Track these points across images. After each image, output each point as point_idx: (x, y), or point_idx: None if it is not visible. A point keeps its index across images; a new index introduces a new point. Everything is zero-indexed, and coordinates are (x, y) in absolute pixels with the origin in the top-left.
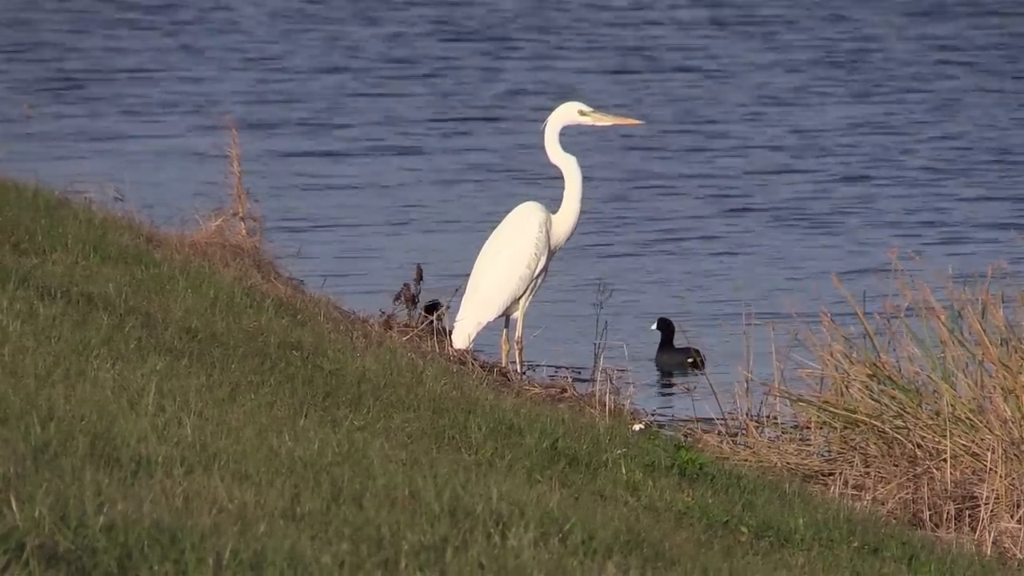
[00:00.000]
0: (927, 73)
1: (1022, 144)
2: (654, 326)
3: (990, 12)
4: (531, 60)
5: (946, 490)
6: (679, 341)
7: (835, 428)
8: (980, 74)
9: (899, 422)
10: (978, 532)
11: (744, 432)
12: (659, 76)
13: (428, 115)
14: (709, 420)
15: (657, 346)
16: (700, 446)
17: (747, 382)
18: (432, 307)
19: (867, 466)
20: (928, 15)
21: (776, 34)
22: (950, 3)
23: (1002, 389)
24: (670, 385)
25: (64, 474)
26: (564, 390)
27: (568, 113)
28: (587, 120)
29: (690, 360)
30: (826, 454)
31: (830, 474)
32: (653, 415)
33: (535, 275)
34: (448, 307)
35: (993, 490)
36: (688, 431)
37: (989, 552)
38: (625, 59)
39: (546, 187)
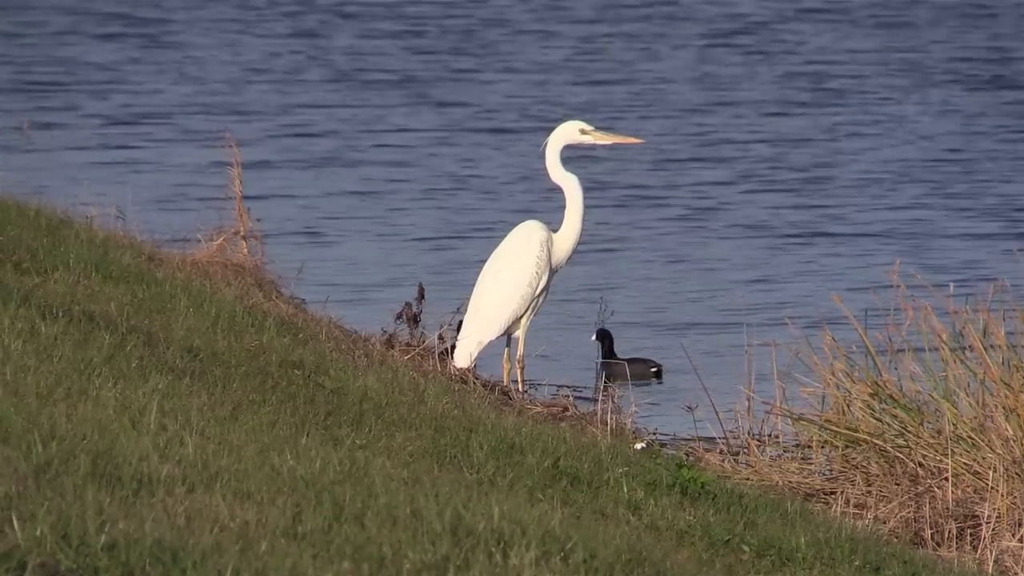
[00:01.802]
0: (910, 83)
1: (1011, 155)
2: (593, 337)
3: (955, 26)
4: (525, 73)
5: (947, 509)
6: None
7: (836, 447)
8: (964, 85)
9: (900, 441)
10: (980, 551)
11: (745, 451)
12: (635, 88)
13: (426, 128)
14: (711, 439)
15: (601, 358)
16: (702, 465)
17: (748, 401)
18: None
19: (868, 485)
20: (899, 27)
21: (744, 45)
22: (921, 14)
23: (1003, 408)
24: (626, 391)
25: (66, 493)
26: (566, 409)
27: (569, 132)
28: (588, 139)
29: (653, 369)
30: (827, 473)
31: (831, 493)
32: (655, 434)
33: (536, 294)
34: (449, 326)
35: (995, 509)
36: (690, 450)
37: (991, 571)
38: (601, 73)
39: (549, 202)
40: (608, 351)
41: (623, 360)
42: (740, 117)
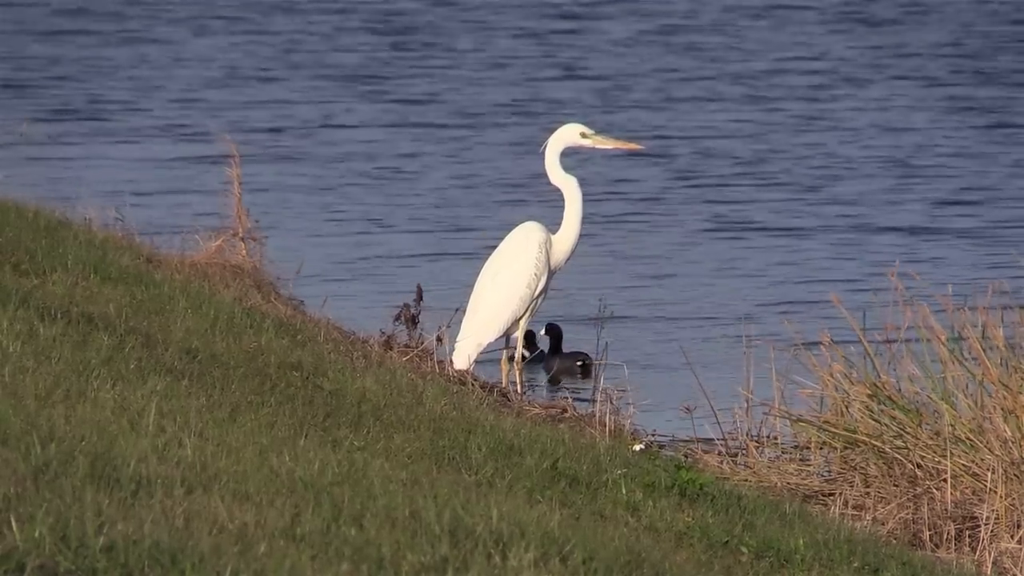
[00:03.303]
0: (904, 83)
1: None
2: (543, 332)
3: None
4: (523, 71)
5: (946, 510)
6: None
7: (835, 448)
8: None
9: (899, 442)
10: (978, 552)
11: (744, 452)
12: (620, 86)
13: (424, 130)
14: (709, 440)
15: (547, 352)
16: (700, 466)
17: (747, 402)
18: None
19: (867, 486)
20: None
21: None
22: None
23: (1002, 409)
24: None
25: (64, 494)
26: (564, 410)
27: (569, 135)
28: (588, 142)
29: (579, 364)
30: (826, 474)
31: (830, 494)
32: (653, 435)
33: (535, 296)
34: (449, 327)
35: (993, 510)
36: (688, 451)
37: (989, 573)
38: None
39: (548, 203)
40: (555, 346)
41: (560, 354)
42: (690, 113)
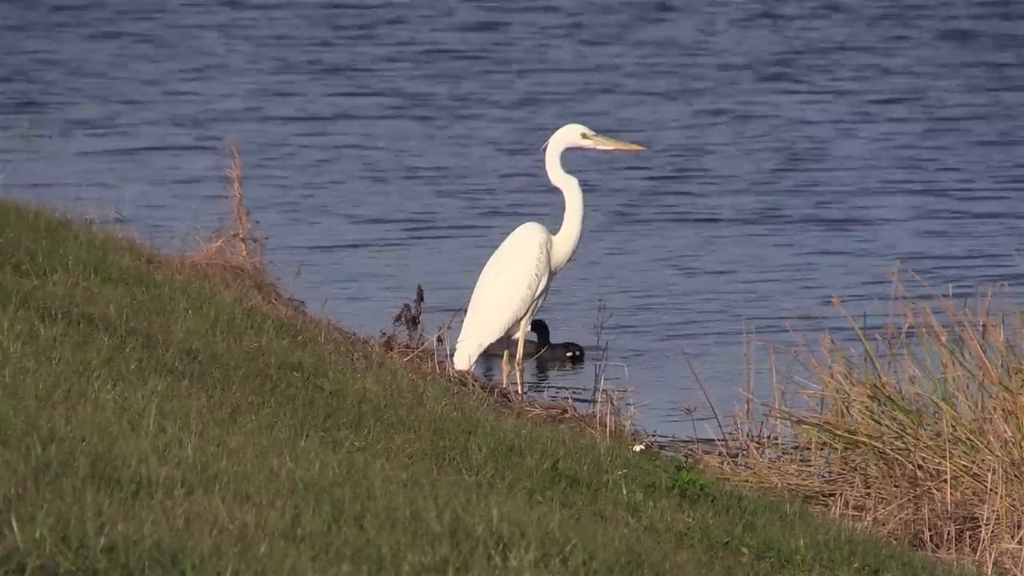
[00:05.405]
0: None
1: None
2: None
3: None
4: (523, 72)
5: (947, 511)
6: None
7: (836, 449)
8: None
9: (900, 443)
10: (979, 553)
11: (745, 453)
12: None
13: (423, 130)
14: (710, 441)
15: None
16: (701, 467)
17: (747, 403)
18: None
19: (868, 487)
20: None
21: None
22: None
23: (1002, 410)
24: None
25: (65, 495)
26: (565, 411)
27: (570, 135)
28: (589, 143)
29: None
30: (827, 475)
31: (831, 495)
32: (654, 436)
33: (536, 296)
34: (449, 328)
35: (994, 511)
36: (689, 452)
37: (990, 573)
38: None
39: (549, 203)
40: (544, 340)
41: (550, 345)
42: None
